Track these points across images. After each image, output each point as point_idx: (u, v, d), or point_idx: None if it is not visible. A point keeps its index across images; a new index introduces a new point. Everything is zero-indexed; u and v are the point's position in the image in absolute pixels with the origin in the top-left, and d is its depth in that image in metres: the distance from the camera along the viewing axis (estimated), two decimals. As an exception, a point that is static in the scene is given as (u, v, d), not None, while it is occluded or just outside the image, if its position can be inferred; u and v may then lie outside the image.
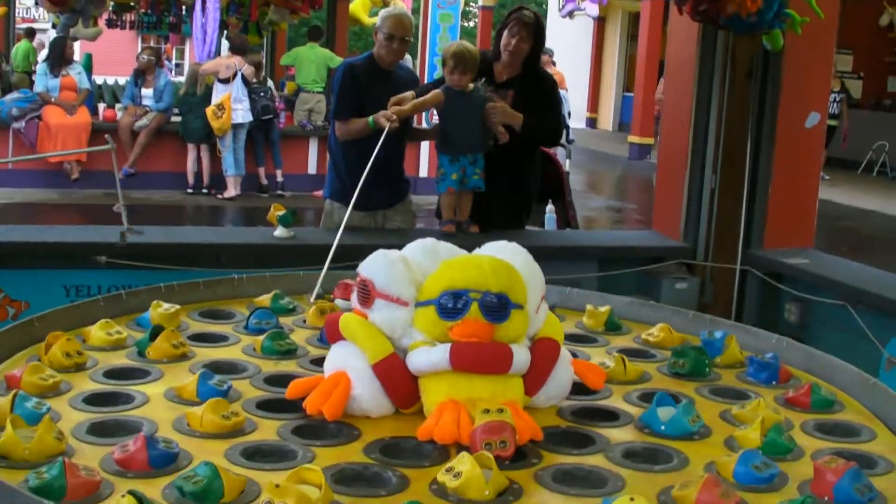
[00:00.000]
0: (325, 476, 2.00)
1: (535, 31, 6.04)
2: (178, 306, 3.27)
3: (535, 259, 2.71)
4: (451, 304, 2.45)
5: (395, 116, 5.61)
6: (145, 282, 4.42)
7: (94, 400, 2.55)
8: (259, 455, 2.25)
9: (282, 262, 5.17)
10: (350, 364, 2.49)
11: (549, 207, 7.10)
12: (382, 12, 6.12)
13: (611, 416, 2.64)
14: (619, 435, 2.51)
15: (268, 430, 2.40)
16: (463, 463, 2.12)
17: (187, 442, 2.28)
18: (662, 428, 2.52)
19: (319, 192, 11.74)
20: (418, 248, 2.71)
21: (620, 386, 2.88)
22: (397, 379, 2.49)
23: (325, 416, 2.42)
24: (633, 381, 2.94)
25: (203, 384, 2.56)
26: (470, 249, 2.73)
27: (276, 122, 15.08)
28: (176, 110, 14.94)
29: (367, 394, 2.47)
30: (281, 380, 2.70)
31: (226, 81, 14.23)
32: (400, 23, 5.94)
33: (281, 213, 5.71)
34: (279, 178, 15.02)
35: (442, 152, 5.88)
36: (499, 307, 2.45)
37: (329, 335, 2.65)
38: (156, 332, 2.95)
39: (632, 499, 1.94)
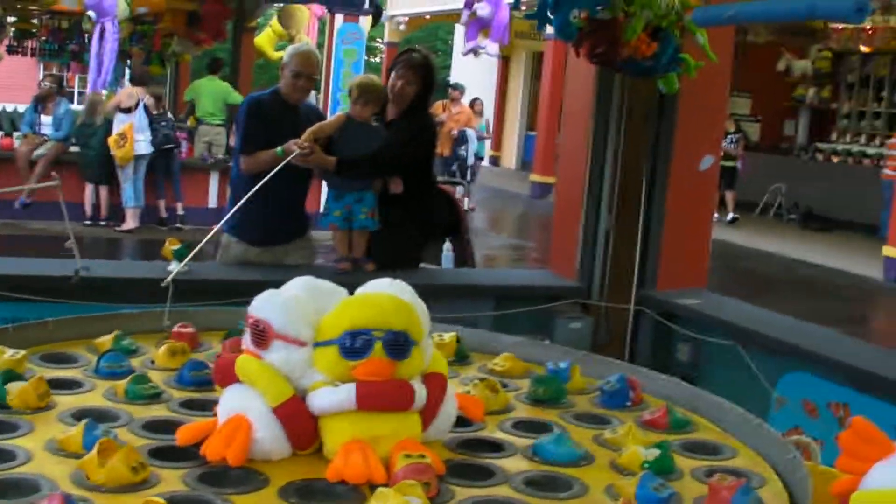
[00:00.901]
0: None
1: (423, 72, 6.07)
2: (23, 352, 2.99)
3: (432, 297, 2.72)
4: (354, 344, 2.44)
5: (305, 143, 5.60)
6: (25, 315, 4.33)
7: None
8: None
9: (176, 298, 5.11)
10: (249, 407, 2.44)
11: (447, 245, 7.11)
12: (289, 49, 6.13)
13: (496, 447, 2.66)
14: (513, 465, 2.54)
15: (172, 480, 2.32)
16: (386, 498, 2.12)
17: (102, 499, 2.19)
18: (552, 456, 2.56)
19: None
20: (300, 286, 2.68)
21: (490, 416, 2.89)
22: (299, 421, 2.45)
23: (227, 462, 2.36)
24: (501, 409, 2.97)
25: (89, 434, 2.42)
26: (354, 287, 2.72)
27: (177, 152, 14.98)
28: (73, 140, 14.76)
29: (269, 437, 2.42)
30: (161, 426, 2.62)
31: (128, 111, 14.11)
32: (307, 60, 5.95)
33: (176, 247, 5.64)
34: (179, 211, 14.91)
35: (329, 185, 5.88)
36: (401, 345, 2.46)
37: (221, 378, 2.59)
38: (8, 378, 2.74)
39: None
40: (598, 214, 6.37)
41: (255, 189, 4.74)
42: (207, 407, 2.74)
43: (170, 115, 15.54)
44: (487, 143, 23.09)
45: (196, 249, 4.59)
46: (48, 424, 2.59)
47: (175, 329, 3.44)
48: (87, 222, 14.38)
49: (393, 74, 6.05)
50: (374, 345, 2.43)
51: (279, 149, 5.70)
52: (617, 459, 2.58)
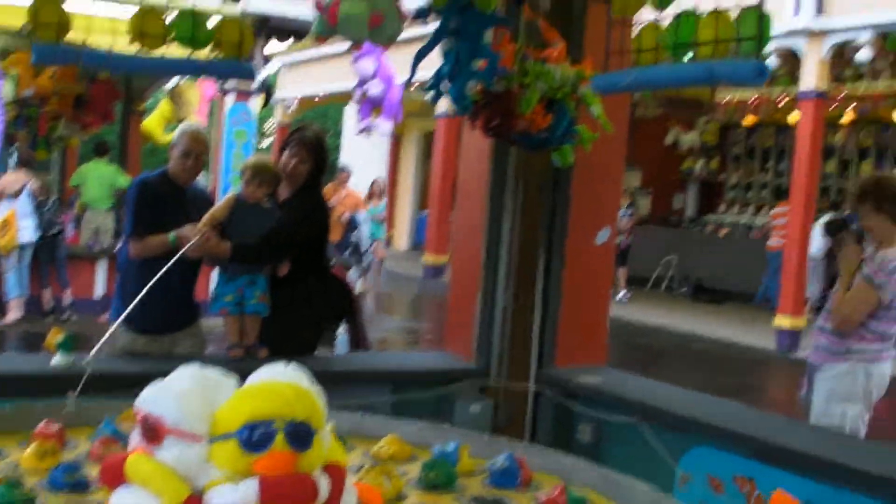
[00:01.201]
0: None
1: (316, 151, 5.97)
2: None
3: (328, 383, 2.58)
4: (254, 437, 2.26)
5: (204, 230, 5.42)
6: None
7: None
8: None
9: (59, 392, 4.88)
10: None
11: (341, 329, 6.94)
12: (178, 128, 5.98)
13: None
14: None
15: None
16: None
17: None
18: None
19: (106, 317, 11.39)
20: (188, 378, 2.48)
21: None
22: None
23: None
24: (394, 497, 2.89)
25: None
26: (246, 374, 2.53)
27: (62, 238, 14.62)
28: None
29: None
30: None
31: (13, 196, 13.75)
32: (195, 139, 5.81)
33: (59, 338, 5.40)
34: (66, 300, 14.50)
35: (219, 268, 5.70)
36: (303, 435, 2.30)
37: (110, 479, 2.36)
38: None
39: None
40: (494, 292, 6.26)
41: (153, 280, 4.53)
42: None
43: (53, 198, 15.17)
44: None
45: (99, 343, 4.36)
46: None
47: (40, 427, 3.20)
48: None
49: (286, 153, 5.93)
50: (276, 436, 2.27)
51: (171, 235, 5.54)
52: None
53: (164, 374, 2.45)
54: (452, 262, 7.16)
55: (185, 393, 2.35)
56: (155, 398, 2.34)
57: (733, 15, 5.30)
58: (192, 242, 5.37)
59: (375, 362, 6.78)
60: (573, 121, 5.50)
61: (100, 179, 15.97)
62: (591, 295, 6.43)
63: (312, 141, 5.98)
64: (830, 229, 6.59)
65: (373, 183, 20.27)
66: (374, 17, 5.43)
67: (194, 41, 6.94)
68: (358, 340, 6.62)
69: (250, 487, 2.25)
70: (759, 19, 5.20)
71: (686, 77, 5.83)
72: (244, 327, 5.72)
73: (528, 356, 6.22)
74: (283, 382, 2.40)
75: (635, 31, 5.99)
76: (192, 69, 8.29)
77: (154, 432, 2.29)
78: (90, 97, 16.91)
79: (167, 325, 5.86)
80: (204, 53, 7.18)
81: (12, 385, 5.29)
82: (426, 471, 3.05)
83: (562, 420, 6.12)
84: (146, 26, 6.82)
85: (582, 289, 6.31)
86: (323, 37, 5.67)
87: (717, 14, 5.35)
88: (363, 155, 29.69)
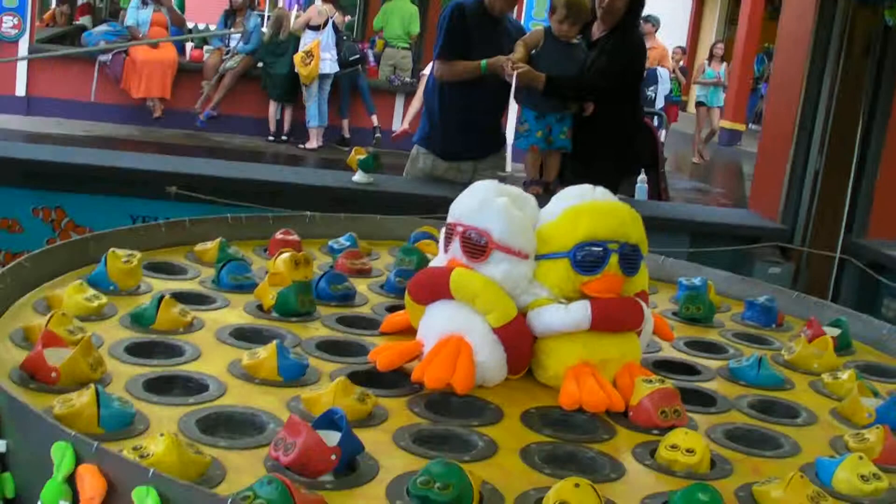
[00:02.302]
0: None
1: None
2: (137, 255, 2.67)
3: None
4: (589, 257, 2.19)
5: (518, 63, 5.33)
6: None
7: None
8: (436, 442, 1.91)
9: (358, 208, 4.95)
10: (469, 328, 2.16)
11: (641, 178, 6.79)
12: None
13: (692, 370, 2.56)
14: (726, 389, 2.44)
15: (396, 410, 2.03)
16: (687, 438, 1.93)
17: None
18: (756, 380, 2.48)
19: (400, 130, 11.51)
20: (496, 192, 2.32)
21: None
22: (521, 343, 2.20)
23: (451, 389, 2.11)
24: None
25: (284, 359, 2.12)
26: (541, 205, 2.40)
27: (364, 67, 14.84)
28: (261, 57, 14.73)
29: (491, 361, 2.16)
30: (338, 347, 2.37)
31: (316, 28, 14.01)
32: None
33: (362, 157, 5.45)
34: (375, 123, 14.75)
35: (527, 106, 5.58)
36: (634, 259, 2.24)
37: (421, 293, 2.28)
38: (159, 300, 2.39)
39: (576, 484, 1.62)
40: (807, 152, 5.97)
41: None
42: (372, 326, 2.53)
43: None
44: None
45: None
46: (213, 348, 2.29)
47: (278, 236, 3.17)
48: (271, 138, 14.41)
49: None
50: (610, 258, 2.19)
51: (483, 62, 5.48)
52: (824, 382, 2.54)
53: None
54: (765, 119, 6.88)
55: (509, 209, 2.24)
56: (478, 212, 2.23)
57: None
58: (510, 70, 5.28)
59: (677, 212, 6.57)
60: (914, -22, 5.15)
61: (399, 16, 16.04)
62: (913, 165, 6.05)
63: None
64: None
65: (714, 45, 19.52)
66: None
67: None
68: (659, 191, 6.48)
69: (583, 310, 2.18)
70: None
71: None
72: (545, 164, 5.63)
73: (838, 222, 5.93)
74: (616, 203, 2.29)
75: None
76: None
77: (479, 247, 2.21)
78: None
79: (469, 152, 5.82)
80: None
81: (317, 197, 5.39)
82: (686, 304, 3.00)
83: (866, 294, 5.81)
84: None
85: (904, 159, 5.94)
86: None
87: None
88: (666, 12, 29.01)
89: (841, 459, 1.96)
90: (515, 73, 5.33)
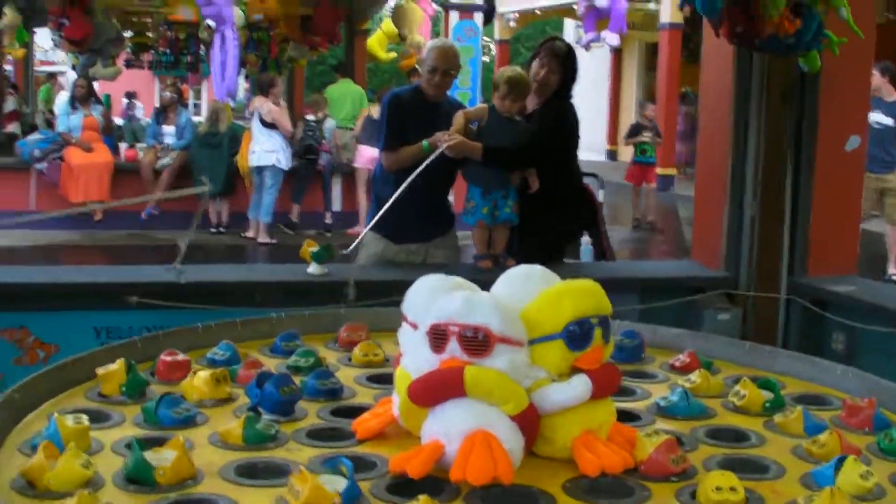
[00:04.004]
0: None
1: (566, 61, 5.95)
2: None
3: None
4: (580, 335, 2.36)
5: (454, 135, 5.53)
6: (177, 322, 4.26)
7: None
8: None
9: (315, 300, 5.07)
10: (491, 421, 2.28)
11: (585, 239, 6.97)
12: (428, 44, 6.10)
13: (632, 416, 2.76)
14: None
15: None
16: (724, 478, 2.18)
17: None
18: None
19: (354, 230, 11.75)
20: (441, 284, 2.55)
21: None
22: (534, 425, 2.36)
23: (498, 482, 2.21)
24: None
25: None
26: (487, 285, 2.57)
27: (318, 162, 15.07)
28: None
29: (516, 448, 2.29)
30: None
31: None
32: (443, 55, 5.84)
33: (314, 249, 5.58)
34: (327, 220, 14.96)
35: (472, 183, 5.77)
36: (608, 328, 2.43)
37: (427, 397, 2.36)
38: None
39: None
40: (741, 201, 6.16)
41: (404, 185, 4.65)
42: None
43: (330, 121, 15.51)
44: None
45: (355, 244, 4.53)
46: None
47: (343, 333, 3.41)
48: (213, 230, 14.53)
49: (535, 63, 5.92)
50: (594, 332, 2.37)
51: (425, 142, 5.64)
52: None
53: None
54: (697, 171, 7.07)
55: (500, 301, 2.40)
56: (470, 310, 2.34)
57: None
58: (444, 143, 5.47)
59: (623, 271, 6.77)
60: (822, 25, 5.36)
61: (350, 98, 16.28)
62: (842, 202, 6.24)
63: (563, 51, 5.96)
64: None
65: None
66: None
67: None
68: (603, 250, 6.65)
69: (584, 383, 2.36)
70: None
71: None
72: (493, 237, 5.80)
73: (778, 265, 6.10)
74: (586, 281, 2.47)
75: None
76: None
77: (483, 343, 2.32)
78: (316, 19, 17.31)
79: (421, 234, 5.97)
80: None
81: (275, 292, 5.54)
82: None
83: (813, 330, 6.00)
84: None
85: (832, 196, 6.14)
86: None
87: None
88: (585, 69, 29.43)
89: (832, 466, 2.26)
90: (445, 145, 5.52)
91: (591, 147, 28.30)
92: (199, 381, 2.75)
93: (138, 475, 2.14)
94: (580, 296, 2.40)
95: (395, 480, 2.26)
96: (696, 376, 3.01)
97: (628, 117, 31.15)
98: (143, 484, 2.14)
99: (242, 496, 2.15)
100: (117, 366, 2.75)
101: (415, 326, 2.48)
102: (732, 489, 2.15)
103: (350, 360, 3.24)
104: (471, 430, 2.26)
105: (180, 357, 3.03)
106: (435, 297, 2.44)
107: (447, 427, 2.31)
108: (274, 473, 2.27)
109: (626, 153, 31.03)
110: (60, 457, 2.10)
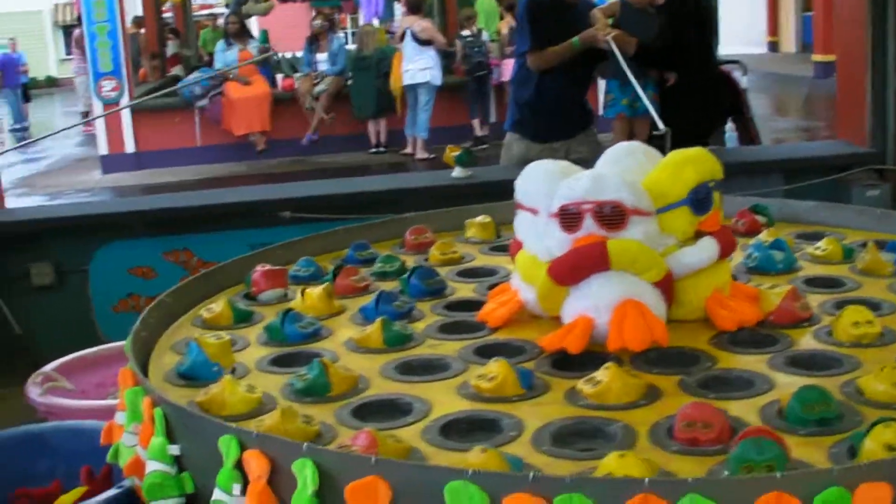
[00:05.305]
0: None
1: None
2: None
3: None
4: (703, 198, 2.45)
5: (608, 30, 5.57)
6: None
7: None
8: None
9: (463, 202, 5.18)
10: (639, 290, 2.36)
11: (729, 126, 6.91)
12: None
13: None
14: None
15: (666, 385, 2.17)
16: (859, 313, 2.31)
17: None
18: None
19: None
20: (616, 160, 2.60)
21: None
22: (672, 290, 2.44)
23: (657, 345, 2.30)
24: None
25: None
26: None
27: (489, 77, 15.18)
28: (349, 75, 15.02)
29: (662, 313, 2.39)
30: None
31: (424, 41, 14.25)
32: None
33: (456, 153, 5.69)
34: (477, 132, 15.06)
35: (610, 76, 5.78)
36: (714, 193, 2.50)
37: (572, 274, 2.40)
38: None
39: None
40: (885, 74, 6.03)
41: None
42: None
43: (485, 35, 15.50)
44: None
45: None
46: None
47: (410, 237, 3.45)
48: (373, 150, 14.73)
49: None
50: (713, 195, 2.47)
51: (575, 39, 5.69)
52: None
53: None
54: (837, 49, 6.93)
55: (627, 175, 2.46)
56: (602, 187, 2.40)
57: None
58: (605, 35, 5.52)
59: (768, 154, 6.70)
60: None
61: (487, 13, 16.24)
62: None
63: None
64: None
65: None
66: None
67: None
68: (749, 135, 6.59)
69: (713, 246, 2.46)
70: None
71: None
72: (634, 130, 5.81)
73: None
74: (697, 149, 2.54)
75: None
76: None
77: (619, 217, 2.38)
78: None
79: (561, 131, 5.98)
80: None
81: (422, 198, 5.63)
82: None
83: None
84: None
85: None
86: None
87: None
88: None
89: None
90: (610, 37, 5.56)
91: (750, 40, 27.67)
92: (310, 298, 2.79)
93: (315, 390, 2.20)
94: (700, 162, 2.47)
95: (554, 358, 2.33)
96: (824, 243, 3.01)
97: (789, 4, 30.42)
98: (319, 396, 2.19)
99: (423, 392, 2.18)
100: (221, 306, 2.80)
101: (534, 212, 2.53)
102: (869, 322, 2.27)
103: (427, 260, 3.25)
104: (619, 300, 2.34)
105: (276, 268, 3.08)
106: (552, 182, 2.49)
107: (595, 301, 2.36)
108: (429, 370, 2.32)
109: (789, 43, 30.45)
110: (222, 389, 2.15)
